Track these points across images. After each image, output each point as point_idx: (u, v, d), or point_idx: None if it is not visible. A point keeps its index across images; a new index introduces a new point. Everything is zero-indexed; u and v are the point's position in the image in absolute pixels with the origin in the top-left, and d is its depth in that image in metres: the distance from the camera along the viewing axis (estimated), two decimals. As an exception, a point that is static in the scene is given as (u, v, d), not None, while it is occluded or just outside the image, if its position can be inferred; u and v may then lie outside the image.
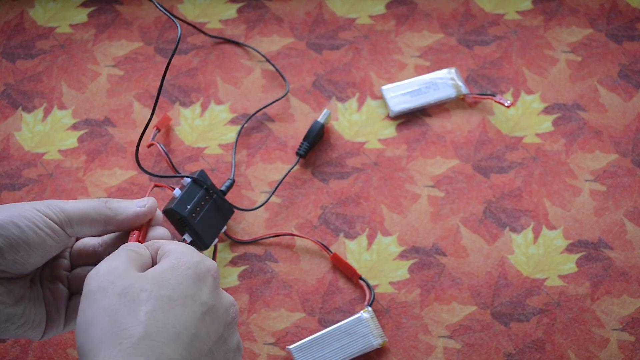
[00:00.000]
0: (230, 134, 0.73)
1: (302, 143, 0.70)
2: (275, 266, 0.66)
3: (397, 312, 0.64)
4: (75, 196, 0.69)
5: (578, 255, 0.66)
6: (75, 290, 0.46)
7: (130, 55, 0.78)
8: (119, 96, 0.76)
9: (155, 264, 0.42)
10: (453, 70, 0.76)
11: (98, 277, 0.38)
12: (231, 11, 0.81)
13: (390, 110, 0.73)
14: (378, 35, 0.79)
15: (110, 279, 0.38)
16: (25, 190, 0.70)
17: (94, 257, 0.46)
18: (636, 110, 0.74)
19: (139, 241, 0.45)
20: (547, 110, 0.74)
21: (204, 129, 0.73)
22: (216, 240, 0.65)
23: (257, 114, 0.74)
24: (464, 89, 0.74)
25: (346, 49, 0.78)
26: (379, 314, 0.64)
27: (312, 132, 0.70)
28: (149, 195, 0.48)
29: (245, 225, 0.68)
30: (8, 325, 0.42)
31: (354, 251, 0.67)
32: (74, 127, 0.74)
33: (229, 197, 0.69)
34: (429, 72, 0.76)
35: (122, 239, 0.46)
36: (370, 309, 0.63)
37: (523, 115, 0.74)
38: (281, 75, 0.76)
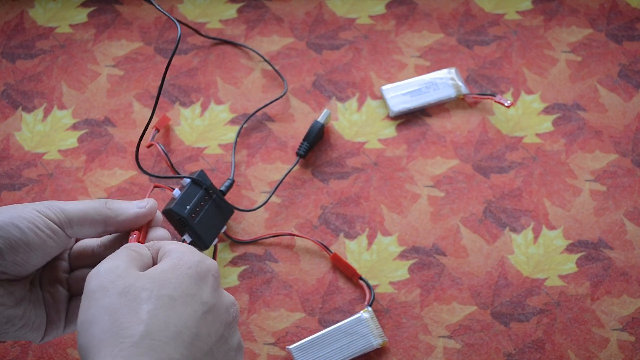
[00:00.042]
0: (230, 134, 0.73)
1: (302, 143, 0.70)
2: (275, 266, 0.66)
3: (397, 312, 0.64)
4: (75, 196, 0.69)
5: (578, 255, 0.66)
6: (74, 293, 0.46)
7: (130, 55, 0.78)
8: (119, 96, 0.76)
9: (156, 264, 0.42)
10: (453, 70, 0.76)
11: (99, 277, 0.38)
12: (231, 11, 0.81)
13: (390, 110, 0.73)
14: (378, 35, 0.79)
15: (111, 278, 0.38)
16: (25, 190, 0.70)
17: (94, 258, 0.46)
18: (636, 110, 0.74)
19: (139, 242, 0.45)
20: (547, 110, 0.74)
21: (204, 129, 0.73)
22: (216, 240, 0.65)
23: (257, 114, 0.74)
24: (464, 89, 0.74)
25: (346, 49, 0.78)
26: (379, 314, 0.64)
27: (312, 132, 0.70)
28: (149, 197, 0.48)
29: (245, 225, 0.68)
30: (8, 327, 0.42)
31: (354, 251, 0.67)
32: (74, 127, 0.74)
33: (229, 197, 0.69)
34: (429, 72, 0.76)
35: (122, 240, 0.46)
36: (370, 309, 0.63)
37: (523, 115, 0.74)
38: (279, 75, 0.76)
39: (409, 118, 0.74)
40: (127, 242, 0.45)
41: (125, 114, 0.74)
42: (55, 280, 0.45)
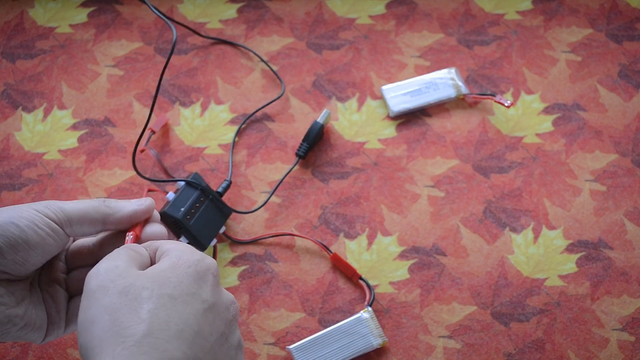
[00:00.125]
0: (230, 134, 0.73)
1: (301, 144, 0.70)
2: (275, 266, 0.66)
3: (397, 312, 0.64)
4: (75, 196, 0.69)
5: (578, 255, 0.66)
6: (74, 293, 0.46)
7: (130, 55, 0.78)
8: (119, 96, 0.76)
9: (154, 263, 0.42)
10: (453, 70, 0.76)
11: (98, 276, 0.38)
12: (231, 11, 0.81)
13: (390, 110, 0.73)
14: (378, 35, 0.79)
15: (111, 277, 0.38)
16: (25, 190, 0.70)
17: (90, 257, 0.46)
18: (636, 110, 0.74)
19: (136, 239, 0.45)
20: (547, 110, 0.74)
21: (204, 129, 0.73)
22: (215, 241, 0.65)
23: (257, 114, 0.74)
24: (464, 89, 0.74)
25: (346, 49, 0.78)
26: (379, 314, 0.64)
27: (311, 133, 0.70)
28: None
29: (245, 225, 0.68)
30: (10, 327, 0.42)
31: (354, 251, 0.67)
32: (74, 127, 0.74)
33: (228, 197, 0.69)
34: (429, 72, 0.76)
35: (118, 237, 0.46)
36: (370, 309, 0.63)
37: (523, 115, 0.74)
38: (277, 75, 0.76)
39: (409, 118, 0.74)
40: (123, 240, 0.45)
41: (125, 114, 0.74)
42: (54, 280, 0.45)
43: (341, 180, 0.70)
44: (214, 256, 0.66)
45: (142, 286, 0.38)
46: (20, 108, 0.75)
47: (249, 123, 0.74)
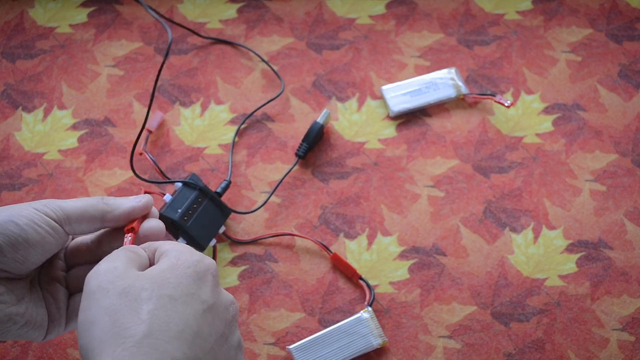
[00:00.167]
0: (230, 134, 0.73)
1: (301, 144, 0.70)
2: (275, 266, 0.66)
3: (397, 312, 0.64)
4: (75, 196, 0.70)
5: (578, 255, 0.66)
6: (74, 290, 0.46)
7: (130, 55, 0.78)
8: (119, 96, 0.76)
9: (153, 264, 0.42)
10: (453, 70, 0.76)
11: (98, 277, 0.38)
12: (231, 11, 0.81)
13: (390, 110, 0.73)
14: (378, 35, 0.79)
15: (110, 278, 0.38)
16: (25, 190, 0.70)
17: (89, 255, 0.46)
18: (636, 110, 0.74)
19: (135, 239, 0.45)
20: (547, 110, 0.74)
21: (204, 129, 0.73)
22: (214, 241, 0.65)
23: (257, 114, 0.74)
24: (464, 89, 0.74)
25: (346, 49, 0.78)
26: (379, 314, 0.64)
27: (311, 133, 0.70)
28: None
29: (245, 225, 0.68)
30: (10, 326, 0.42)
31: (354, 251, 0.67)
32: (74, 127, 0.74)
33: (228, 197, 0.69)
34: (429, 72, 0.76)
35: (116, 235, 0.46)
36: (370, 309, 0.63)
37: (523, 115, 0.74)
38: (276, 74, 0.76)
39: (409, 118, 0.74)
40: (121, 237, 0.45)
41: (125, 114, 0.74)
42: (54, 278, 0.45)
43: (341, 180, 0.70)
44: (214, 256, 0.66)
45: (142, 287, 0.38)
46: (20, 108, 0.75)
47: (249, 123, 0.74)
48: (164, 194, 0.64)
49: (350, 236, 0.67)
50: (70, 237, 0.47)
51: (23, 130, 0.74)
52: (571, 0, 0.81)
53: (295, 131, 0.73)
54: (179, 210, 0.62)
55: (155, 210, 0.47)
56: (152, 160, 0.68)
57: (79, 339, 0.37)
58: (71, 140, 0.73)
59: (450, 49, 0.78)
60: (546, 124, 0.73)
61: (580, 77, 0.76)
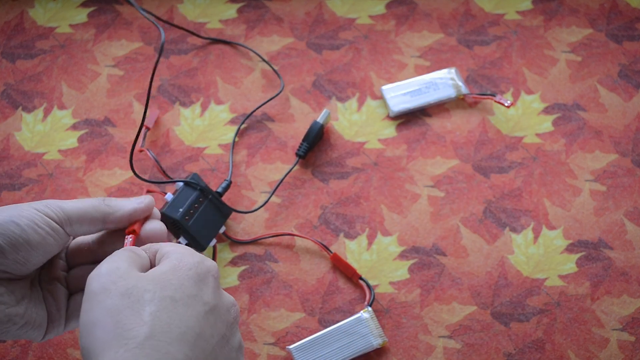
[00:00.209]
0: (230, 134, 0.73)
1: (301, 144, 0.70)
2: (275, 266, 0.66)
3: (397, 312, 0.64)
4: (75, 196, 0.69)
5: (578, 255, 0.66)
6: (74, 290, 0.46)
7: (130, 55, 0.78)
8: (119, 96, 0.76)
9: (154, 266, 0.42)
10: (453, 70, 0.76)
11: (100, 278, 0.38)
12: (231, 11, 0.81)
13: (390, 110, 0.73)
14: (378, 35, 0.79)
15: (113, 279, 0.38)
16: (25, 190, 0.70)
17: (90, 255, 0.46)
18: (636, 110, 0.74)
19: (136, 239, 0.45)
20: (547, 110, 0.74)
21: (204, 129, 0.73)
22: (214, 241, 0.65)
23: (257, 114, 0.74)
24: (464, 89, 0.74)
25: (346, 49, 0.78)
26: (379, 314, 0.64)
27: (311, 133, 0.70)
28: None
29: (245, 225, 0.68)
30: (10, 326, 0.42)
31: (354, 251, 0.67)
32: (74, 127, 0.74)
33: (228, 197, 0.69)
34: (429, 72, 0.76)
35: (118, 235, 0.46)
36: (370, 309, 0.63)
37: (523, 115, 0.74)
38: (276, 73, 0.76)
39: (409, 118, 0.74)
40: (123, 238, 0.45)
41: (125, 114, 0.74)
42: (54, 278, 0.45)
43: (341, 180, 0.70)
44: (214, 256, 0.66)
45: (144, 288, 0.38)
46: (20, 108, 0.75)
47: (249, 123, 0.74)
48: (166, 193, 0.64)
49: (350, 236, 0.67)
50: (71, 237, 0.47)
51: (23, 130, 0.74)
52: (571, 0, 0.81)
53: (295, 131, 0.73)
54: (181, 210, 0.62)
55: (156, 212, 0.47)
56: (154, 157, 0.68)
57: (80, 340, 0.37)
58: (71, 140, 0.73)
59: (450, 49, 0.78)
60: (546, 124, 0.73)
61: (580, 77, 0.76)
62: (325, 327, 0.63)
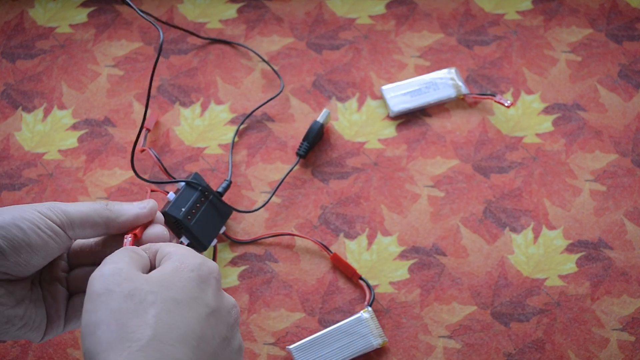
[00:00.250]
0: (230, 134, 0.73)
1: (301, 143, 0.70)
2: (275, 266, 0.66)
3: (397, 312, 0.64)
4: (75, 196, 0.69)
5: (578, 255, 0.66)
6: (74, 291, 0.46)
7: (130, 55, 0.78)
8: (119, 96, 0.76)
9: (154, 266, 0.42)
10: (453, 70, 0.76)
11: (103, 279, 0.38)
12: (231, 11, 0.81)
13: (390, 110, 0.73)
14: (378, 35, 0.79)
15: (116, 280, 0.38)
16: (25, 190, 0.70)
17: (92, 256, 0.46)
18: (636, 110, 0.74)
19: (136, 240, 0.45)
20: (547, 110, 0.74)
21: (204, 129, 0.73)
22: (215, 241, 0.65)
23: (257, 114, 0.74)
24: (464, 89, 0.74)
25: (346, 49, 0.78)
26: (379, 314, 0.64)
27: (311, 132, 0.70)
28: (149, 198, 0.48)
29: (245, 225, 0.68)
30: (9, 327, 0.42)
31: (354, 251, 0.67)
32: (74, 127, 0.74)
33: (228, 197, 0.69)
34: (429, 72, 0.76)
35: (120, 237, 0.46)
36: (370, 309, 0.63)
37: (523, 115, 0.74)
38: (276, 73, 0.76)
39: (409, 118, 0.74)
40: (123, 241, 0.45)
41: (125, 114, 0.74)
42: (55, 279, 0.45)
43: (341, 180, 0.70)
44: (214, 256, 0.66)
45: (148, 290, 0.38)
46: (20, 108, 0.75)
47: (248, 123, 0.74)
48: (168, 192, 0.64)
49: (350, 236, 0.67)
50: (73, 240, 0.47)
51: (23, 130, 0.74)
52: (571, 0, 0.81)
53: (295, 131, 0.73)
54: (183, 209, 0.62)
55: (160, 215, 0.47)
56: (155, 156, 0.67)
57: (82, 342, 0.37)
58: (71, 140, 0.73)
59: (450, 49, 0.78)
60: (546, 124, 0.73)
61: (580, 77, 0.76)
62: (325, 327, 0.63)
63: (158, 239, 0.45)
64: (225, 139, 0.73)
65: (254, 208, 0.69)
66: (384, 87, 0.75)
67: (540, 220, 0.68)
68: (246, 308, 0.64)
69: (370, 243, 0.67)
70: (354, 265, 0.66)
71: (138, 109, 0.75)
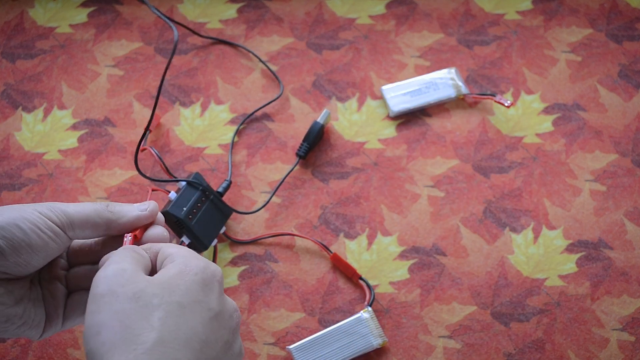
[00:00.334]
0: (230, 134, 0.73)
1: (301, 144, 0.70)
2: (275, 266, 0.66)
3: (397, 312, 0.64)
4: (75, 196, 0.69)
5: (578, 255, 0.66)
6: (73, 289, 0.46)
7: (130, 55, 0.78)
8: (119, 96, 0.76)
9: (155, 267, 0.42)
10: (453, 70, 0.76)
11: (107, 280, 0.38)
12: (231, 11, 0.81)
13: (390, 110, 0.73)
14: (378, 35, 0.79)
15: (121, 282, 0.38)
16: (25, 190, 0.70)
17: (92, 255, 0.46)
18: (636, 110, 0.74)
19: (135, 240, 0.45)
20: (547, 110, 0.74)
21: (204, 129, 0.73)
22: (215, 241, 0.65)
23: (257, 114, 0.74)
24: (464, 89, 0.74)
25: (346, 49, 0.78)
26: (379, 314, 0.64)
27: (311, 133, 0.70)
28: (149, 199, 0.48)
29: (245, 225, 0.68)
30: (8, 326, 0.42)
31: (354, 251, 0.67)
32: (74, 127, 0.74)
33: (228, 197, 0.69)
34: (429, 72, 0.76)
35: (119, 238, 0.46)
36: (370, 309, 0.63)
37: (523, 115, 0.74)
38: (275, 76, 0.76)
39: (409, 118, 0.74)
40: (122, 240, 0.45)
41: (125, 114, 0.74)
42: (54, 277, 0.45)
43: (341, 180, 0.70)
44: (215, 256, 0.66)
45: (153, 293, 0.37)
46: (20, 108, 0.75)
47: (248, 123, 0.74)
48: (169, 192, 0.64)
49: (350, 236, 0.67)
50: (73, 240, 0.47)
51: (23, 130, 0.74)
52: (571, 0, 0.81)
53: (295, 131, 0.73)
54: (184, 209, 0.62)
55: (160, 216, 0.47)
56: (157, 155, 0.67)
57: (85, 343, 0.37)
58: (71, 140, 0.73)
59: (450, 49, 0.78)
60: (546, 124, 0.73)
61: (580, 77, 0.76)
62: (325, 327, 0.63)
63: (158, 240, 0.45)
64: (226, 139, 0.73)
65: (254, 208, 0.69)
66: (384, 87, 0.75)
67: (540, 220, 0.68)
68: (246, 308, 0.64)
69: (370, 243, 0.67)
70: (354, 265, 0.66)
71: (138, 109, 0.75)
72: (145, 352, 0.35)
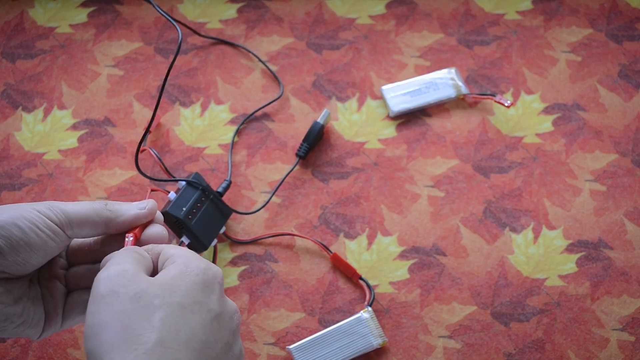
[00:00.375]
0: (230, 134, 0.73)
1: (301, 144, 0.70)
2: (275, 266, 0.66)
3: (397, 312, 0.64)
4: (75, 196, 0.70)
5: (578, 255, 0.66)
6: (72, 288, 0.46)
7: (130, 55, 0.78)
8: (119, 96, 0.76)
9: (156, 268, 0.42)
10: (453, 70, 0.76)
11: (109, 280, 0.38)
12: (231, 11, 0.81)
13: (390, 110, 0.73)
14: (378, 35, 0.79)
15: (122, 282, 0.38)
16: (25, 190, 0.70)
17: (91, 254, 0.46)
18: (636, 110, 0.74)
19: (136, 240, 0.45)
20: (547, 110, 0.74)
21: (204, 129, 0.73)
22: (215, 241, 0.65)
23: (257, 114, 0.74)
24: (464, 89, 0.74)
25: (346, 49, 0.78)
26: (379, 314, 0.64)
27: (311, 133, 0.70)
28: (148, 198, 0.48)
29: (245, 225, 0.68)
30: (7, 325, 0.42)
31: (354, 251, 0.67)
32: (74, 127, 0.74)
33: (228, 197, 0.69)
34: (429, 72, 0.76)
35: (119, 236, 0.46)
36: (370, 309, 0.63)
37: (523, 115, 0.74)
38: (275, 76, 0.76)
39: (409, 118, 0.74)
40: (123, 239, 0.45)
41: (125, 114, 0.74)
42: (53, 276, 0.45)
43: (341, 180, 0.70)
44: (214, 256, 0.66)
45: (153, 293, 0.38)
46: (20, 108, 0.75)
47: (248, 123, 0.74)
48: (169, 192, 0.64)
49: (350, 236, 0.67)
50: (72, 239, 0.47)
51: (23, 130, 0.74)
52: (571, 0, 0.81)
53: (295, 131, 0.73)
54: (184, 209, 0.62)
55: (159, 215, 0.47)
56: (156, 155, 0.68)
57: (86, 343, 0.37)
58: (71, 140, 0.73)
59: (450, 49, 0.78)
60: (546, 124, 0.73)
61: (580, 77, 0.76)
62: (325, 327, 0.63)
63: (157, 239, 0.45)
64: (225, 139, 0.73)
65: (253, 208, 0.69)
66: (384, 87, 0.75)
67: (540, 220, 0.68)
68: (246, 308, 0.64)
69: (370, 243, 0.67)
70: (354, 265, 0.66)
71: (138, 109, 0.75)
72: (145, 352, 0.35)
